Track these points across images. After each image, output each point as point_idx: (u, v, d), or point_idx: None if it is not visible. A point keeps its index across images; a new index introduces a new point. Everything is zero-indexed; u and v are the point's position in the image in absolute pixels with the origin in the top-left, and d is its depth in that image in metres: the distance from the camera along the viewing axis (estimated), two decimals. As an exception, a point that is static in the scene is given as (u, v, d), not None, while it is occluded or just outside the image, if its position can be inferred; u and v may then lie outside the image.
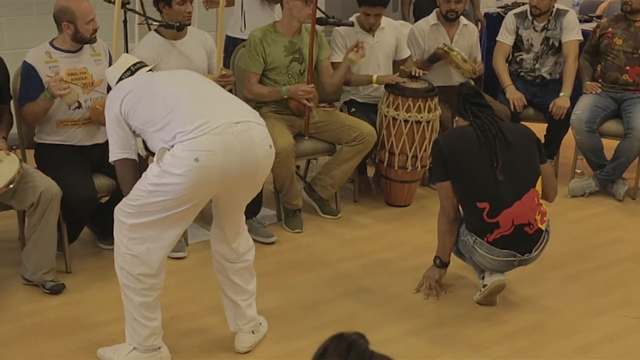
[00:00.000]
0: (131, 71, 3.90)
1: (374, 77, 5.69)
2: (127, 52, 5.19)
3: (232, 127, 3.45)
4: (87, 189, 4.52)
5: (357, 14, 5.80)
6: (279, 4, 5.86)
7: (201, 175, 3.39)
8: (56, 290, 4.44)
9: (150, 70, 3.96)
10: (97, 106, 4.59)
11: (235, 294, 3.92)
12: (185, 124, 3.41)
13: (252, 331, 3.97)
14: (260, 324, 4.06)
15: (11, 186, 4.19)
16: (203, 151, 3.36)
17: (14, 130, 4.74)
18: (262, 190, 4.97)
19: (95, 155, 4.68)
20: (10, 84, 4.70)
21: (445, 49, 5.88)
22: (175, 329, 4.12)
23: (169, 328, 4.03)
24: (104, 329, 4.08)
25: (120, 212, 3.58)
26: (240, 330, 3.96)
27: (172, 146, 3.41)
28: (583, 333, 4.22)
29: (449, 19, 6.04)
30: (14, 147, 4.62)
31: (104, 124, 4.52)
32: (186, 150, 3.36)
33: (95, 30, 4.60)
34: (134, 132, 3.70)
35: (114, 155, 3.71)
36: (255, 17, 5.90)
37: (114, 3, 4.72)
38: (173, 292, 4.43)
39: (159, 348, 3.77)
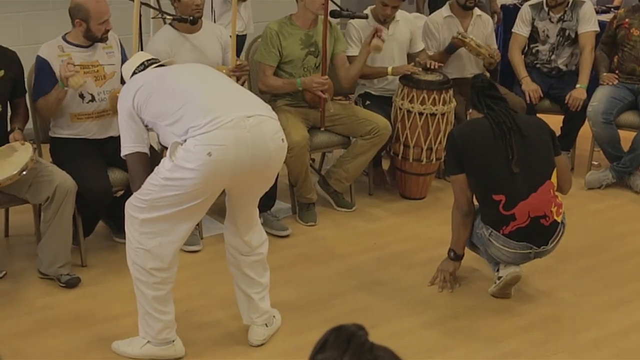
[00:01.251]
0: (144, 65, 3.92)
1: (390, 69, 5.68)
2: (141, 45, 5.20)
3: (244, 121, 3.45)
4: (102, 182, 4.54)
5: (372, 7, 5.79)
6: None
7: (214, 169, 3.41)
8: (72, 283, 4.47)
9: (162, 65, 3.97)
10: (117, 94, 4.59)
11: (249, 286, 3.94)
12: (198, 118, 3.42)
13: (266, 324, 3.98)
14: (274, 317, 4.07)
15: (24, 173, 4.21)
16: (216, 145, 3.38)
17: (30, 125, 4.75)
18: (276, 184, 5.04)
19: (110, 149, 4.68)
20: (26, 79, 4.72)
21: (459, 37, 5.86)
22: (189, 322, 4.14)
23: (183, 322, 4.05)
24: (118, 322, 4.10)
25: (132, 206, 3.61)
26: (254, 324, 3.97)
27: (185, 140, 3.42)
28: (598, 326, 4.21)
29: (468, 8, 6.03)
30: (31, 141, 4.64)
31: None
32: (199, 145, 3.38)
33: (107, 31, 4.63)
34: (146, 126, 3.70)
35: (125, 149, 3.73)
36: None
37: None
38: (187, 286, 4.47)
39: (173, 341, 3.80)
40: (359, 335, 1.70)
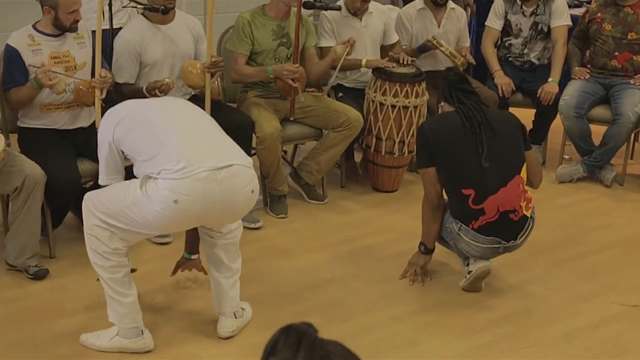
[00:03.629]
0: None
1: (364, 62, 5.70)
2: (113, 35, 5.17)
3: (215, 175, 3.52)
4: (71, 173, 4.52)
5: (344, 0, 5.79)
6: None
7: (177, 216, 3.55)
8: (40, 275, 4.45)
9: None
10: (81, 87, 4.61)
11: (218, 269, 3.95)
12: (171, 162, 3.50)
13: (235, 315, 3.98)
14: (244, 309, 4.07)
15: None
16: (183, 195, 3.47)
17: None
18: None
19: (79, 139, 4.69)
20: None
21: (435, 42, 5.87)
22: (159, 315, 4.15)
23: (153, 314, 4.08)
24: (87, 315, 4.09)
25: (93, 203, 3.70)
26: (222, 314, 3.98)
27: (157, 178, 3.51)
28: (569, 319, 4.24)
29: (438, 5, 6.04)
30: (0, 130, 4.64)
31: (88, 105, 4.65)
32: (167, 190, 3.47)
33: (77, 21, 4.60)
34: (125, 157, 3.80)
35: (101, 179, 3.87)
36: None
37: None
38: (157, 279, 4.48)
39: (142, 333, 3.80)
40: (309, 334, 1.69)
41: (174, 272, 4.34)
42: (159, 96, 4.81)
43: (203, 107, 4.86)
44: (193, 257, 4.25)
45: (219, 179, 3.52)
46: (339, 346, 1.71)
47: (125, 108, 3.91)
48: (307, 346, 1.66)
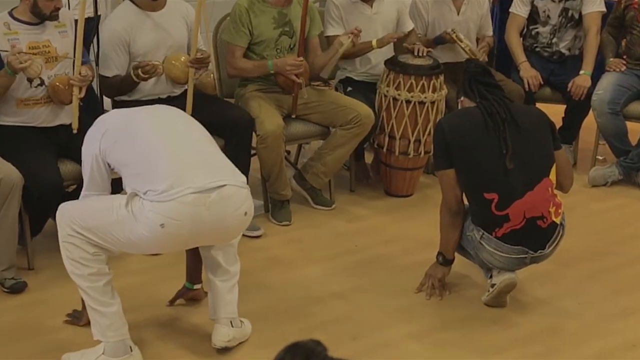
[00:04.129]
0: None
1: (374, 42, 5.69)
2: (98, 24, 5.18)
3: (204, 198, 3.58)
4: (52, 175, 4.52)
5: (354, -18, 5.82)
6: None
7: (164, 240, 3.63)
8: (17, 288, 4.46)
9: None
10: (57, 83, 4.64)
11: (215, 273, 3.98)
12: (156, 182, 3.57)
13: (231, 323, 3.98)
14: (242, 322, 4.07)
15: None
16: (170, 219, 3.53)
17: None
18: (247, 179, 5.02)
19: (61, 138, 4.71)
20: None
21: (454, 36, 5.88)
22: (149, 332, 4.16)
23: (142, 331, 4.09)
24: (69, 332, 4.09)
25: (70, 213, 3.77)
26: (218, 322, 3.98)
27: (143, 199, 3.58)
28: (603, 338, 4.24)
29: None
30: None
31: (65, 103, 4.70)
32: (153, 212, 3.53)
33: (57, 9, 4.62)
34: (112, 169, 3.85)
35: (83, 194, 3.96)
36: None
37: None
38: (149, 291, 4.51)
39: (130, 349, 3.81)
40: (317, 352, 1.72)
41: (172, 302, 4.38)
42: (144, 78, 4.87)
43: (200, 103, 4.91)
44: (196, 287, 4.29)
45: (208, 203, 3.58)
46: None
47: (113, 118, 4.00)
48: None
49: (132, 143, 3.78)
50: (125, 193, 3.69)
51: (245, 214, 3.75)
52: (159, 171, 3.61)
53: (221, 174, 3.71)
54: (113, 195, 3.82)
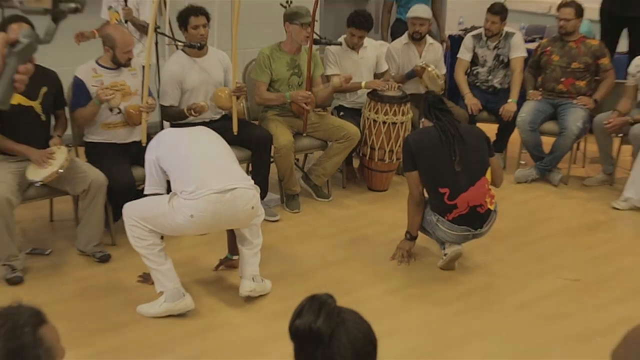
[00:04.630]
0: None
1: (363, 83, 5.69)
2: (158, 67, 5.24)
3: (222, 197, 3.70)
4: (127, 178, 4.56)
5: (344, 36, 5.82)
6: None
7: (193, 226, 3.76)
8: (104, 259, 4.52)
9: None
10: (131, 110, 4.68)
11: (243, 243, 4.05)
12: (188, 184, 3.72)
13: (253, 279, 4.02)
14: (264, 280, 4.10)
15: (61, 170, 4.26)
16: (197, 211, 3.68)
17: (68, 131, 4.77)
18: (267, 180, 5.11)
19: (133, 151, 4.72)
20: (65, 94, 4.74)
21: (423, 65, 5.92)
22: (198, 290, 4.19)
23: (193, 289, 4.12)
24: (141, 290, 4.14)
25: (132, 208, 3.90)
26: (244, 277, 4.03)
27: (179, 197, 3.73)
28: (524, 292, 4.27)
29: (415, 39, 6.09)
30: (69, 145, 4.65)
31: (136, 124, 4.71)
32: (185, 207, 3.69)
33: (130, 59, 4.68)
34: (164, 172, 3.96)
35: (147, 189, 4.03)
36: None
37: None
38: (199, 260, 4.53)
39: (183, 295, 3.88)
40: (329, 303, 1.73)
41: (216, 268, 4.41)
42: (194, 116, 4.89)
43: (231, 125, 4.96)
44: (234, 257, 4.31)
45: (224, 201, 3.69)
46: (354, 314, 1.76)
47: (167, 135, 4.11)
48: (327, 312, 1.71)
49: (175, 155, 3.90)
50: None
51: (252, 207, 3.85)
52: (190, 177, 3.74)
53: (235, 179, 3.80)
54: (160, 196, 3.90)
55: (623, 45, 6.49)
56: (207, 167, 3.83)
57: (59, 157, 4.33)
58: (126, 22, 5.53)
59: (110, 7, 5.70)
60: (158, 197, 3.91)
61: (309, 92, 5.30)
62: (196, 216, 3.68)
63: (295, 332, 1.72)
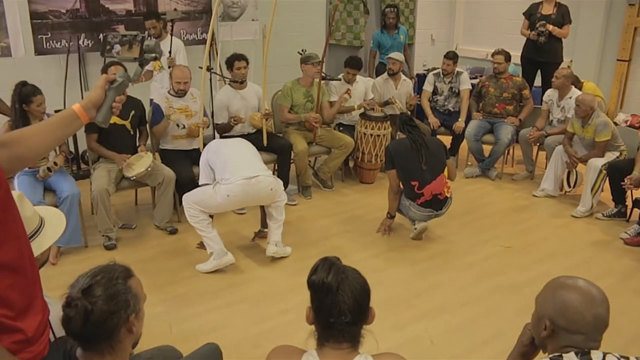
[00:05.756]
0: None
1: (356, 106, 5.66)
2: (212, 97, 5.21)
3: (249, 182, 3.72)
4: (189, 174, 4.52)
5: (343, 73, 5.76)
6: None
7: (229, 203, 3.76)
8: (173, 231, 4.49)
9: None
10: (192, 127, 4.66)
11: (270, 219, 4.02)
12: (226, 174, 3.74)
13: (275, 244, 4.00)
14: (285, 246, 4.08)
15: (149, 169, 4.27)
16: (232, 192, 3.69)
17: (149, 142, 4.73)
18: (289, 174, 5.06)
19: (194, 155, 4.67)
20: (146, 115, 4.71)
21: (393, 100, 5.90)
22: (240, 252, 4.17)
23: (236, 252, 4.09)
24: (199, 254, 4.11)
25: (188, 197, 3.86)
26: (269, 243, 4.01)
27: (220, 182, 3.72)
28: (471, 255, 4.25)
29: (390, 75, 6.03)
30: (150, 151, 4.63)
31: (196, 137, 4.67)
32: (224, 189, 3.69)
33: (183, 90, 4.61)
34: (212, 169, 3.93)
35: (201, 181, 3.97)
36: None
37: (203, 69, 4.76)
38: (239, 232, 4.48)
39: (226, 253, 3.86)
40: (337, 263, 1.72)
41: (253, 239, 4.36)
42: (234, 124, 4.86)
43: (262, 137, 4.91)
44: (265, 230, 4.27)
45: (250, 184, 3.71)
46: (355, 271, 1.74)
47: (215, 143, 4.07)
48: (335, 270, 1.69)
49: (219, 156, 3.88)
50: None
51: (271, 189, 3.83)
52: (227, 170, 3.75)
53: (258, 170, 3.80)
54: (207, 186, 3.86)
55: (538, 81, 6.48)
56: (239, 163, 3.82)
57: (146, 160, 4.32)
58: (169, 67, 5.37)
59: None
60: (206, 186, 3.87)
61: (318, 115, 5.29)
62: (231, 195, 3.68)
63: (312, 284, 1.70)
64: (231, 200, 3.71)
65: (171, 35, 5.48)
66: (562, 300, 1.64)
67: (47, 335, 1.68)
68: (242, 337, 3.20)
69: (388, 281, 3.85)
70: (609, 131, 4.91)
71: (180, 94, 4.66)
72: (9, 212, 1.50)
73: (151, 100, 5.20)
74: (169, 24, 5.63)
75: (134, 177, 4.28)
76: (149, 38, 1.98)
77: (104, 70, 4.08)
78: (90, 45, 5.62)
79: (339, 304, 1.65)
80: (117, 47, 2.16)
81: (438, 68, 6.35)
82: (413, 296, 3.67)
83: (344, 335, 1.67)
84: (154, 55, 1.92)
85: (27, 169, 3.91)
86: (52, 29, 5.42)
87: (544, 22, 6.06)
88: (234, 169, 3.75)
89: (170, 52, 5.41)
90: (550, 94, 5.69)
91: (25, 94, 3.85)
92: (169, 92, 4.70)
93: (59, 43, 5.48)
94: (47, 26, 5.40)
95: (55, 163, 3.99)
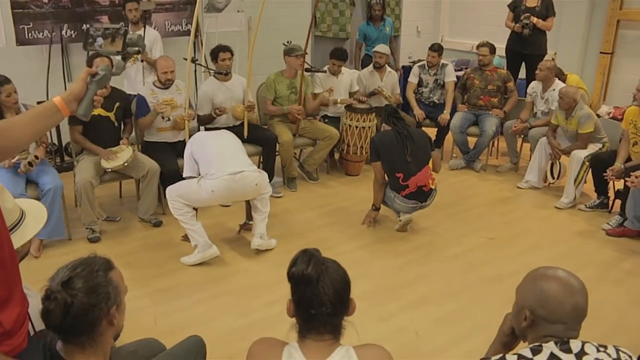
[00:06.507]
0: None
1: (339, 100, 5.67)
2: (196, 89, 5.16)
3: (234, 177, 3.70)
4: (174, 167, 4.49)
5: (328, 65, 5.75)
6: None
7: (214, 198, 3.73)
8: (157, 224, 4.47)
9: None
10: (177, 119, 4.62)
11: (255, 211, 4.01)
12: (210, 169, 3.71)
13: (260, 236, 4.00)
14: (270, 238, 4.08)
15: (126, 164, 4.24)
16: (216, 188, 3.67)
17: (133, 133, 4.71)
18: (274, 166, 5.04)
19: (179, 147, 4.63)
20: (131, 107, 4.66)
21: (379, 89, 5.89)
22: (225, 244, 4.15)
23: (221, 245, 4.07)
24: (183, 247, 4.09)
25: (172, 190, 3.85)
26: (254, 236, 4.01)
27: (204, 179, 3.70)
28: (456, 246, 4.26)
29: (376, 68, 6.03)
30: (133, 144, 4.62)
31: (181, 129, 4.64)
32: (208, 185, 3.67)
33: (168, 80, 4.58)
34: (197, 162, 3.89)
35: (185, 174, 3.94)
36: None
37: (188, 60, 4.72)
38: (224, 224, 4.46)
39: (210, 246, 3.84)
40: (316, 255, 1.72)
41: (239, 232, 4.34)
42: (218, 115, 4.85)
43: (250, 128, 4.87)
44: (250, 222, 4.24)
45: (235, 179, 3.69)
46: (334, 263, 1.73)
47: (199, 135, 4.03)
48: (315, 261, 1.69)
49: (203, 149, 3.85)
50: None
51: (257, 184, 3.82)
52: (212, 164, 3.73)
53: (243, 165, 3.78)
54: (191, 179, 3.83)
55: (522, 73, 6.50)
56: (224, 157, 3.80)
57: (126, 154, 4.28)
58: (142, 61, 5.33)
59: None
60: (190, 180, 3.84)
61: (301, 107, 5.27)
62: (216, 191, 3.66)
63: (292, 276, 1.70)
64: (216, 195, 3.70)
65: (144, 26, 5.33)
66: (542, 290, 1.65)
67: (26, 328, 1.66)
68: (228, 329, 3.20)
69: (373, 272, 3.85)
70: (591, 123, 4.95)
71: (168, 84, 4.62)
72: None
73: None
74: (144, 14, 5.49)
75: (110, 169, 4.25)
76: (128, 28, 1.99)
77: (89, 62, 4.04)
78: (73, 35, 5.54)
79: (319, 296, 1.65)
80: (100, 41, 2.16)
81: (423, 60, 6.35)
82: (398, 287, 3.68)
83: (325, 326, 1.68)
84: (137, 48, 1.91)
85: (6, 165, 3.86)
86: (34, 19, 5.34)
87: (528, 14, 6.09)
88: (219, 164, 3.73)
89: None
90: (534, 86, 5.72)
91: None
92: (154, 83, 4.66)
93: (41, 33, 5.40)
94: (29, 16, 5.32)
95: (36, 157, 3.94)
